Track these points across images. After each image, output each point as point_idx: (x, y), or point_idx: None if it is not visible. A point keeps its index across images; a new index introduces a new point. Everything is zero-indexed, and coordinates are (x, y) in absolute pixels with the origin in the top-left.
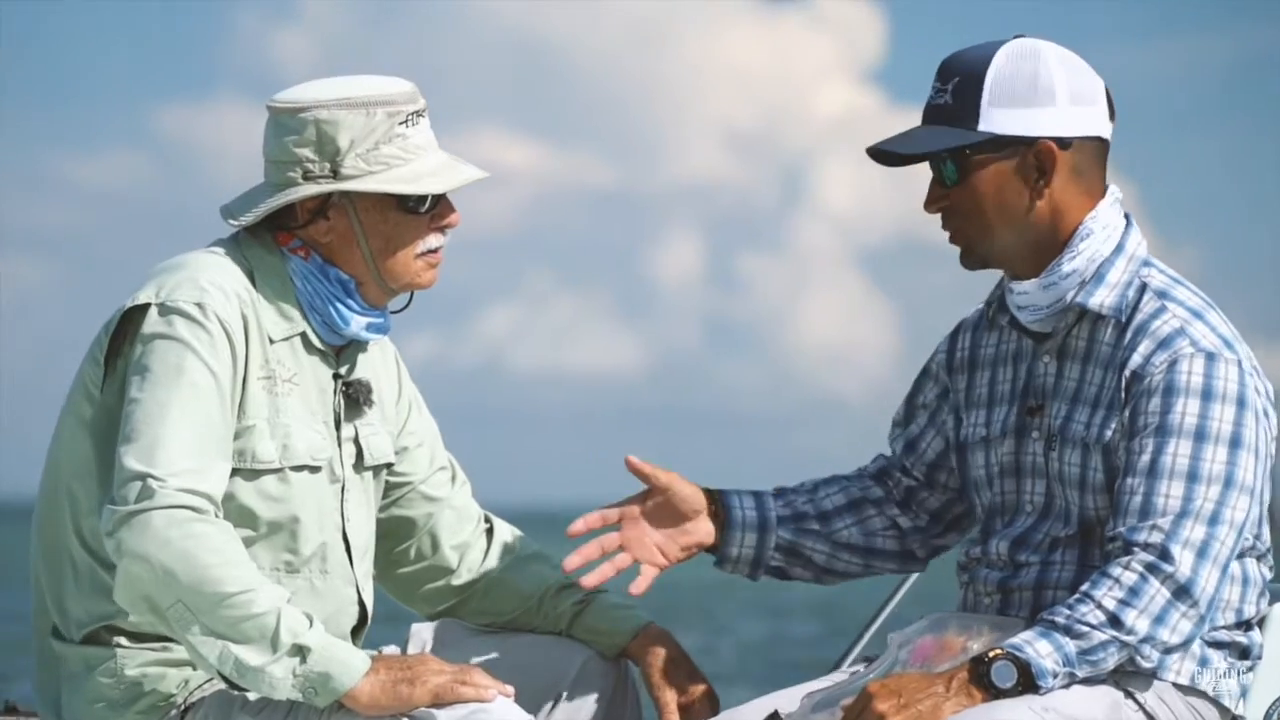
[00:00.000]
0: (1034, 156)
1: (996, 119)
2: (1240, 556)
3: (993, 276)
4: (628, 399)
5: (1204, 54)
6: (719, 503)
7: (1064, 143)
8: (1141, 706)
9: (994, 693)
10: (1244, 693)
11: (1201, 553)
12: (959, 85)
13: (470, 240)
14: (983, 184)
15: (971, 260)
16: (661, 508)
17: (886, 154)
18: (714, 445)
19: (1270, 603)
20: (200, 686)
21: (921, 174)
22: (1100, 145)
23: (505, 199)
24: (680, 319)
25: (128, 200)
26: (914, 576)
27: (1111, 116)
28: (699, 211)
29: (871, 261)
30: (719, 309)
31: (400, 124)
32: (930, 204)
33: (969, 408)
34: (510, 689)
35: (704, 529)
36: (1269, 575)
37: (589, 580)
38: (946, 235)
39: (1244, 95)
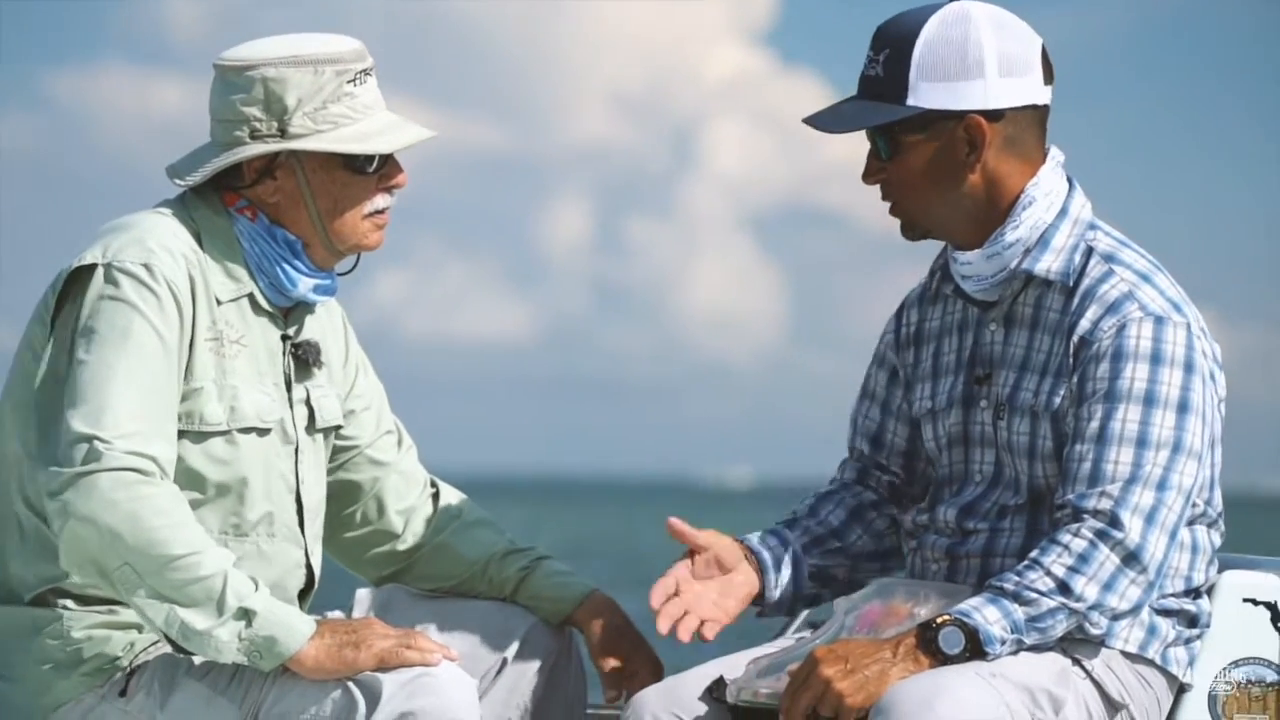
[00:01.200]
0: (963, 130)
1: (924, 93)
2: (1190, 523)
3: (926, 248)
4: (518, 366)
5: (1099, 24)
6: (747, 549)
7: (994, 115)
8: (1089, 674)
9: (941, 658)
10: (1192, 661)
11: (1150, 519)
12: (889, 58)
13: None
14: (914, 160)
15: (912, 233)
16: (708, 565)
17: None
18: (604, 413)
19: (1219, 570)
20: (146, 649)
21: (813, 139)
22: (1036, 112)
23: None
24: (570, 285)
25: (16, 164)
26: None
27: (1049, 80)
28: (588, 176)
29: (761, 227)
30: (608, 275)
31: (348, 82)
32: (867, 177)
33: (917, 382)
34: (455, 653)
35: (750, 578)
36: (1219, 542)
37: (682, 635)
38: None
39: (1139, 66)
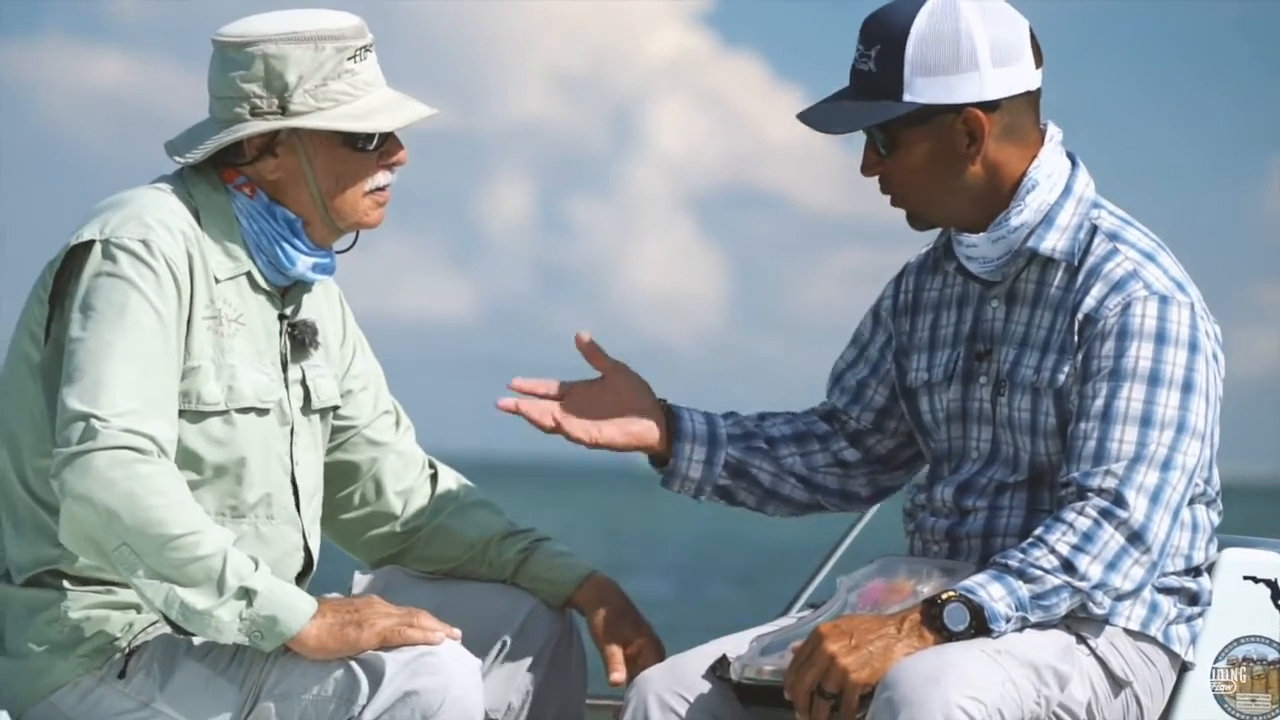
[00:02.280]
0: (962, 124)
1: (920, 89)
2: (1190, 502)
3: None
4: (458, 346)
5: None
6: (669, 412)
7: (991, 106)
8: (1093, 651)
9: (946, 635)
10: (1194, 639)
11: (1154, 498)
12: (881, 53)
13: None
14: (914, 155)
15: (917, 224)
16: (607, 394)
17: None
18: None
19: (1219, 548)
20: (145, 629)
21: (752, 119)
22: (1029, 96)
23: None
24: (510, 265)
25: None
26: (861, 524)
27: (1039, 63)
28: (529, 155)
29: (701, 207)
30: (549, 255)
31: (349, 59)
32: (866, 170)
33: (911, 351)
34: (457, 632)
35: (651, 431)
36: (1218, 521)
37: (504, 402)
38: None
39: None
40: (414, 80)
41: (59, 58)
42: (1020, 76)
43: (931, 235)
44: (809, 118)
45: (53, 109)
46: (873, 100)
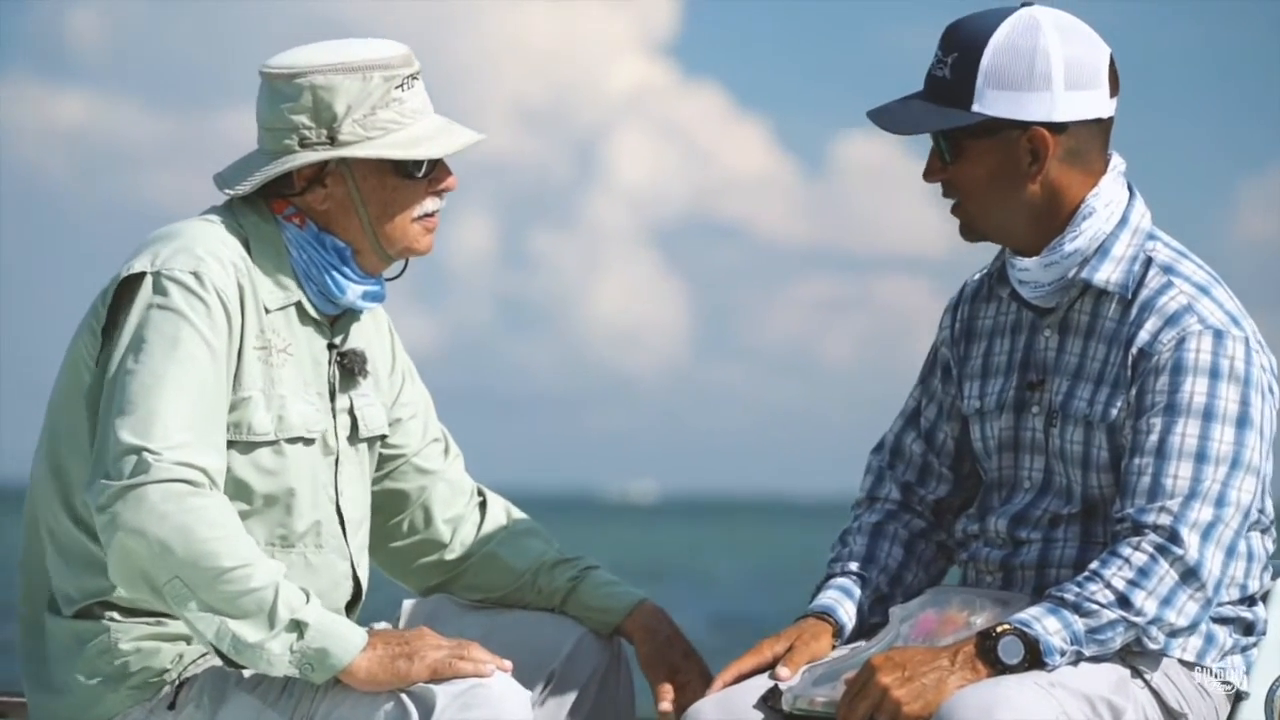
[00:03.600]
0: (1027, 141)
1: (990, 101)
2: (1245, 531)
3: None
4: (421, 380)
5: None
6: (831, 622)
7: (1058, 127)
8: (1148, 684)
9: (1000, 668)
10: (1248, 668)
11: (1208, 535)
12: (958, 61)
13: None
14: (976, 166)
15: (970, 235)
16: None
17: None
18: (507, 426)
19: (1273, 577)
20: (194, 661)
21: (714, 151)
22: (1100, 124)
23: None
24: (473, 298)
25: None
26: None
27: (1114, 92)
28: (491, 189)
29: (663, 239)
30: (511, 288)
31: (396, 88)
32: (928, 176)
33: (965, 379)
34: (508, 664)
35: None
36: (1272, 549)
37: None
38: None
39: None
40: None
41: (23, 95)
42: (1092, 103)
43: (981, 260)
44: (879, 117)
45: (20, 148)
46: (943, 107)
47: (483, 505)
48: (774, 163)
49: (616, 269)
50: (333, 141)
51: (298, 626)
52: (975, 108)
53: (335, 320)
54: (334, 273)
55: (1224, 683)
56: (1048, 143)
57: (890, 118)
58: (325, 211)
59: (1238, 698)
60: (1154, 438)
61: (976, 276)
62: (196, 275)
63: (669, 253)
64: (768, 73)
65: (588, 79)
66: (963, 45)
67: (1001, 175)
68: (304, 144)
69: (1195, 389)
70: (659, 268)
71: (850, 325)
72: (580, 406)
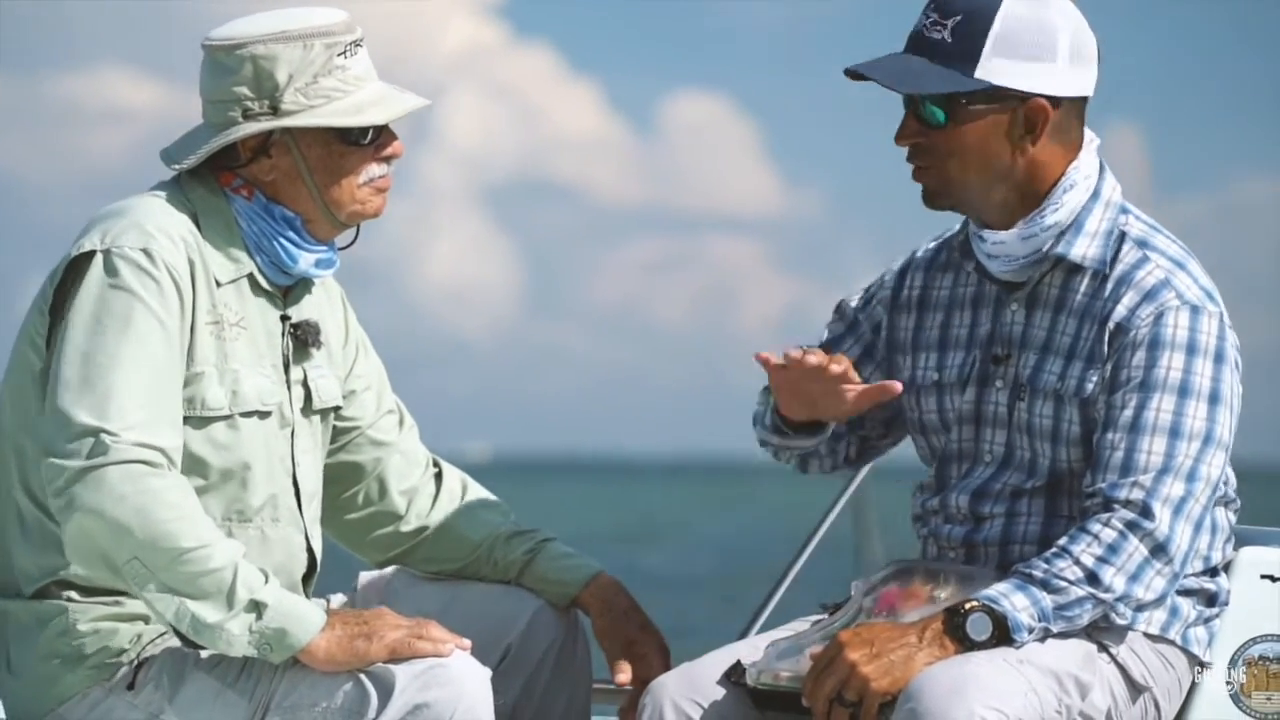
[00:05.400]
0: (1025, 113)
1: (996, 69)
2: (1211, 507)
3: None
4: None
5: None
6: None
7: (1056, 101)
8: (1114, 658)
9: (968, 644)
10: (1211, 639)
11: (1179, 510)
12: (961, 24)
13: (90, 184)
14: (969, 133)
15: (939, 203)
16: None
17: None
18: None
19: (1235, 548)
20: (153, 641)
21: (544, 112)
22: (1084, 101)
23: (127, 137)
24: None
25: None
26: (823, 528)
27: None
28: None
29: (495, 199)
30: (345, 251)
31: (339, 55)
32: (903, 138)
33: (917, 349)
34: (467, 643)
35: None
36: (1234, 520)
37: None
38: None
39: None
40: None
41: None
42: (1086, 79)
43: (937, 227)
44: (875, 72)
45: None
46: (942, 68)
47: (438, 477)
48: (604, 122)
49: (448, 230)
50: (275, 111)
51: (256, 607)
52: (979, 74)
53: (288, 291)
54: (284, 241)
55: (1187, 654)
56: (1046, 115)
57: (887, 74)
58: (272, 182)
59: (1201, 668)
60: (1129, 412)
61: (931, 244)
62: (147, 252)
63: (499, 213)
64: (599, 34)
65: (419, 40)
66: (969, 8)
67: (992, 145)
68: (247, 115)
69: (1172, 364)
70: (489, 228)
71: (680, 285)
72: (413, 367)
